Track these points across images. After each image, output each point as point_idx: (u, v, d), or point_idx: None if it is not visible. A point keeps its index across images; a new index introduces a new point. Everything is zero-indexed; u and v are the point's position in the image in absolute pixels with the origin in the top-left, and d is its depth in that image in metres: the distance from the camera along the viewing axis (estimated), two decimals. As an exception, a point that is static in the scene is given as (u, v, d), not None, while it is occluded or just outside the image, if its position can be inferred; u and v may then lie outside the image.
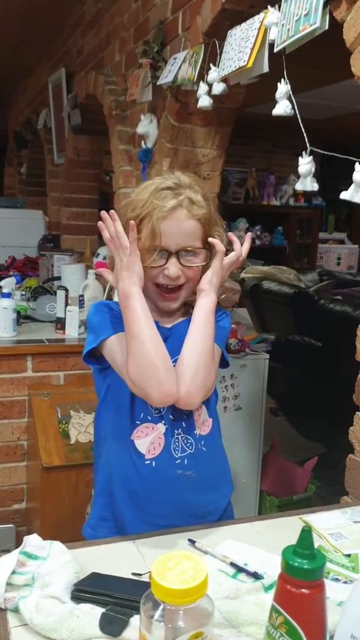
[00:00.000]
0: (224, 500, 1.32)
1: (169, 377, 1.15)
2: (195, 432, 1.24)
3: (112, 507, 1.26)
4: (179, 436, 1.23)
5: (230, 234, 1.27)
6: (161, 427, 1.22)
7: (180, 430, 1.23)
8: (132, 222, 1.15)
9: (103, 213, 1.18)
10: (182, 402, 1.18)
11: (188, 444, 1.23)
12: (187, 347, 1.20)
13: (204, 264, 1.24)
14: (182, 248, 1.20)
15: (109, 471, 1.27)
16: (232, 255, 1.27)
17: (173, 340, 1.24)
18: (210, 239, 1.22)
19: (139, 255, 1.16)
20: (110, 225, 1.17)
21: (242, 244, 1.29)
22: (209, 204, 1.25)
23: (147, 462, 1.21)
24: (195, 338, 1.20)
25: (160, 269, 1.20)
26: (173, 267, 1.20)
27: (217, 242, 1.22)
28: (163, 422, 1.22)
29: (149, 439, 1.21)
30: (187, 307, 1.31)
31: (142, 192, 1.23)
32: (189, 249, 1.21)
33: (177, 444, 1.22)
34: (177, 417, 1.23)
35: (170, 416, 1.22)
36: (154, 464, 1.21)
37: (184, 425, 1.23)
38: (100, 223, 1.18)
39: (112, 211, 1.19)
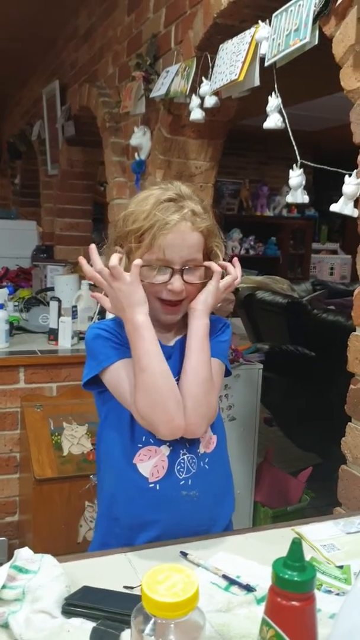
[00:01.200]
0: (227, 515, 1.31)
1: (178, 411, 1.13)
2: (199, 450, 1.22)
3: (116, 532, 1.24)
4: (185, 456, 1.21)
5: (222, 262, 1.24)
6: (164, 450, 1.19)
7: (185, 450, 1.21)
8: (137, 261, 1.12)
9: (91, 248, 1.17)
10: (187, 433, 1.17)
11: (192, 464, 1.21)
12: (186, 376, 1.17)
13: (205, 281, 1.21)
14: (185, 261, 1.17)
15: (111, 495, 1.25)
16: (228, 278, 1.24)
17: (176, 358, 1.22)
18: (206, 263, 1.21)
19: (139, 282, 1.13)
20: (97, 259, 1.15)
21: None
22: (210, 215, 1.22)
23: (150, 485, 1.19)
24: (193, 367, 1.18)
25: (163, 284, 1.17)
26: (177, 282, 1.16)
27: (213, 265, 1.20)
28: (167, 444, 1.19)
29: (152, 462, 1.19)
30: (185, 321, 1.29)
31: (142, 203, 1.18)
32: (190, 264, 1.18)
33: (182, 465, 1.20)
34: (181, 437, 1.20)
35: None
36: (158, 487, 1.19)
37: (187, 445, 1.21)
38: (81, 258, 1.16)
39: (91, 246, 1.18)
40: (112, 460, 1.25)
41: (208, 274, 1.22)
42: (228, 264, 1.25)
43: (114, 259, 1.14)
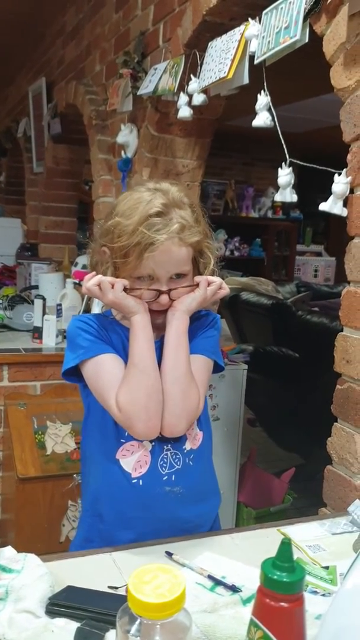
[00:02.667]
0: (212, 512, 1.30)
1: (157, 412, 1.14)
2: (184, 446, 1.21)
3: (99, 528, 1.23)
4: (168, 452, 1.20)
5: (211, 278, 1.23)
6: (147, 445, 1.19)
7: (169, 445, 1.20)
8: (119, 285, 1.15)
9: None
10: (165, 432, 1.17)
11: (176, 460, 1.20)
12: (163, 375, 1.17)
13: (192, 285, 1.21)
14: (172, 274, 1.17)
15: (95, 491, 1.24)
16: (214, 285, 1.23)
17: (157, 357, 1.21)
18: (196, 278, 1.21)
19: (125, 295, 1.16)
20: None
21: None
22: (198, 219, 1.20)
23: (134, 481, 1.18)
24: (169, 365, 1.17)
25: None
26: (164, 299, 1.17)
27: (201, 280, 1.21)
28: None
29: (134, 458, 1.18)
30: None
31: (128, 215, 1.15)
32: (178, 274, 1.18)
33: (164, 460, 1.19)
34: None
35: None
36: (141, 483, 1.18)
37: (172, 441, 1.20)
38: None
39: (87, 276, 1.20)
40: (96, 455, 1.24)
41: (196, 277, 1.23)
42: (215, 278, 1.24)
43: (93, 281, 1.17)
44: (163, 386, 1.16)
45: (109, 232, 1.18)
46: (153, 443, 1.19)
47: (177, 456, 1.21)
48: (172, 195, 1.17)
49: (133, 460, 1.18)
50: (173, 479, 1.20)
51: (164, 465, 1.19)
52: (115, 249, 1.16)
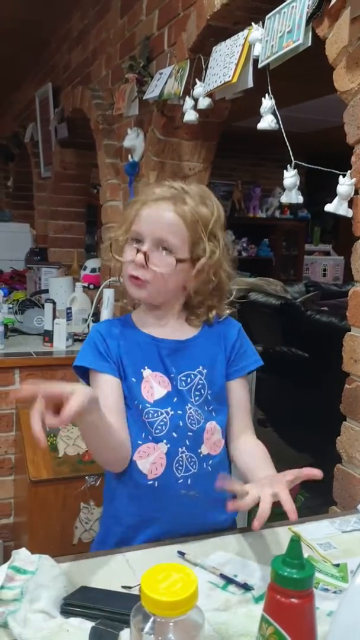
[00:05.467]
0: (229, 520, 1.29)
1: (121, 457, 1.19)
2: (200, 450, 1.22)
3: (115, 530, 1.24)
4: (183, 455, 1.21)
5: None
6: (162, 447, 1.20)
7: (184, 448, 1.21)
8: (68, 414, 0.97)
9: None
10: None
11: (192, 463, 1.21)
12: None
13: (170, 271, 1.18)
14: (157, 239, 1.18)
15: (112, 492, 1.26)
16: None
17: (186, 354, 1.24)
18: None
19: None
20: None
21: None
22: (207, 214, 1.21)
23: (149, 482, 1.19)
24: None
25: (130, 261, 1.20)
26: (139, 257, 1.17)
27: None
28: (164, 441, 1.20)
29: (150, 459, 1.19)
30: (193, 317, 1.30)
31: (147, 187, 1.27)
32: (162, 246, 1.18)
33: (180, 463, 1.20)
34: (181, 434, 1.20)
35: (173, 433, 1.20)
36: (156, 484, 1.19)
37: (187, 443, 1.21)
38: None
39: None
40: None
41: (183, 268, 1.20)
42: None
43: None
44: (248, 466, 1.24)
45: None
46: (169, 445, 1.20)
47: (193, 459, 1.21)
48: (190, 187, 1.23)
49: (149, 462, 1.19)
50: (189, 482, 1.20)
51: (180, 468, 1.20)
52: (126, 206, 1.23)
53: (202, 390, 1.24)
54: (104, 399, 1.15)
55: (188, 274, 1.22)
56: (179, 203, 1.19)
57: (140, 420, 1.20)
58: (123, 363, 1.23)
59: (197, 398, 1.24)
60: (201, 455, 1.22)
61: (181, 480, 1.20)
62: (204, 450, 1.23)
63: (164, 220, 1.19)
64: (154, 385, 1.22)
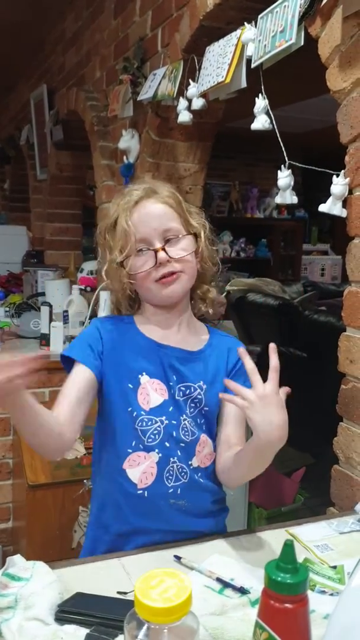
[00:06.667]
0: (219, 526, 1.29)
1: (57, 447, 1.16)
2: (191, 462, 1.21)
3: (104, 539, 1.23)
4: (174, 465, 1.19)
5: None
6: (154, 456, 1.18)
7: (175, 458, 1.19)
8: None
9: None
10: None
11: (182, 474, 1.20)
12: (245, 478, 1.24)
13: (193, 251, 1.21)
14: (162, 232, 1.18)
15: (101, 500, 1.24)
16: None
17: (190, 367, 1.23)
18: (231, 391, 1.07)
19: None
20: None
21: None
22: (177, 195, 1.24)
23: (139, 492, 1.18)
24: (252, 474, 1.18)
25: (153, 268, 1.18)
26: (161, 255, 1.17)
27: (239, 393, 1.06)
28: (156, 450, 1.18)
29: (141, 468, 1.18)
30: (198, 308, 1.30)
31: (112, 202, 1.26)
32: (170, 236, 1.18)
33: (170, 473, 1.19)
34: (173, 444, 1.19)
35: (166, 443, 1.19)
36: (146, 494, 1.18)
37: (179, 453, 1.19)
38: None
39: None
40: (102, 464, 1.24)
41: (188, 246, 1.21)
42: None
43: None
44: (238, 475, 1.21)
45: (100, 233, 1.25)
46: (160, 454, 1.18)
47: (184, 470, 1.20)
48: (148, 181, 1.28)
49: (139, 471, 1.18)
50: (178, 492, 1.19)
51: (170, 477, 1.19)
52: (105, 229, 1.22)
53: (198, 404, 1.23)
54: (68, 385, 1.17)
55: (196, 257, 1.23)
56: (154, 195, 1.21)
57: (131, 428, 1.18)
58: (118, 365, 1.21)
59: (191, 410, 1.22)
60: (192, 467, 1.21)
61: (171, 490, 1.19)
62: (195, 462, 1.22)
63: (155, 213, 1.19)
64: (151, 393, 1.20)
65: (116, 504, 1.20)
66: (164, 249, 1.17)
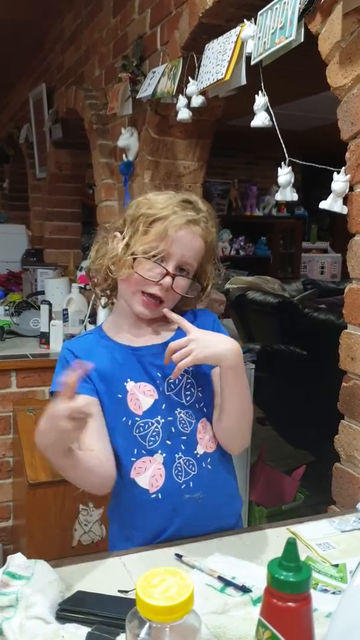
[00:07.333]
0: (236, 513, 1.29)
1: (102, 482, 1.14)
2: (196, 451, 1.20)
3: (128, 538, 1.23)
4: (180, 459, 1.18)
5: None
6: (159, 457, 1.17)
7: (180, 453, 1.18)
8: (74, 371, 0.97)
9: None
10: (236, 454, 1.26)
11: (190, 466, 1.19)
12: (237, 419, 1.19)
13: (186, 295, 1.22)
14: (184, 262, 1.18)
15: (120, 517, 1.25)
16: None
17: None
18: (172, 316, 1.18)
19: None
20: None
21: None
22: (216, 238, 1.24)
23: (152, 496, 1.17)
24: (238, 411, 1.18)
25: (152, 281, 1.17)
26: (167, 280, 1.16)
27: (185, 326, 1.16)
28: (160, 451, 1.17)
29: (149, 473, 1.17)
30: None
31: (160, 196, 1.21)
32: (184, 269, 1.19)
33: (179, 469, 1.18)
34: (175, 440, 1.18)
35: (167, 441, 1.18)
36: (160, 496, 1.17)
37: (183, 447, 1.19)
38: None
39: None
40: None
41: (192, 288, 1.23)
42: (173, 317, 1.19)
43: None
44: (229, 424, 1.19)
45: (137, 207, 1.21)
46: (164, 454, 1.17)
47: (190, 462, 1.19)
48: (200, 204, 1.23)
49: (148, 476, 1.17)
50: (191, 485, 1.18)
51: (180, 474, 1.18)
52: (143, 215, 1.17)
53: (192, 389, 1.22)
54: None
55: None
56: (205, 228, 1.20)
57: (131, 437, 1.18)
58: (103, 380, 1.19)
59: (188, 398, 1.22)
60: (198, 455, 1.20)
61: (183, 485, 1.18)
62: (200, 450, 1.21)
63: (194, 245, 1.19)
64: (140, 397, 1.19)
65: (132, 512, 1.20)
66: (174, 278, 1.17)
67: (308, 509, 2.76)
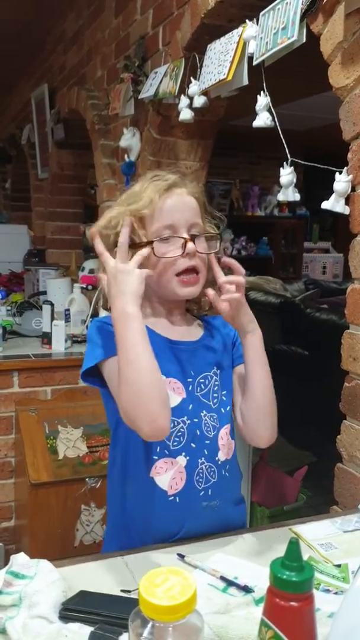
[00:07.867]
0: (241, 520, 1.27)
1: (163, 410, 1.02)
2: (217, 457, 1.18)
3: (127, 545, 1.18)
4: (203, 465, 1.16)
5: (228, 260, 1.17)
6: (181, 460, 1.14)
7: (203, 458, 1.16)
8: (143, 251, 1.06)
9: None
10: (267, 444, 1.22)
11: (211, 473, 1.17)
12: (263, 394, 1.18)
13: (213, 252, 1.18)
14: (190, 225, 1.15)
15: (127, 509, 1.19)
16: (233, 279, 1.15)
17: (201, 355, 1.20)
18: (225, 260, 1.16)
19: (139, 273, 1.05)
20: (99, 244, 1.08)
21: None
22: (202, 192, 1.22)
23: (170, 498, 1.14)
24: (265, 383, 1.18)
25: (180, 256, 1.13)
26: (190, 245, 1.13)
27: (235, 267, 1.15)
28: (183, 454, 1.14)
29: (169, 474, 1.14)
30: (195, 316, 1.28)
31: (136, 185, 1.20)
32: (195, 232, 1.15)
33: (200, 475, 1.16)
34: (199, 444, 1.16)
35: (192, 444, 1.15)
36: (177, 500, 1.14)
37: (206, 452, 1.16)
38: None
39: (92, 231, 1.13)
40: (128, 472, 1.18)
41: (211, 246, 1.19)
42: (231, 261, 1.17)
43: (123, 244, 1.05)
44: (267, 404, 1.19)
45: (129, 199, 1.19)
46: (187, 458, 1.15)
47: (212, 469, 1.17)
48: (173, 176, 1.21)
49: (168, 478, 1.14)
50: (210, 493, 1.16)
51: (200, 480, 1.16)
52: (133, 211, 1.14)
53: (219, 392, 1.21)
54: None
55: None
56: (187, 185, 1.19)
57: None
58: None
59: (215, 401, 1.20)
60: (219, 462, 1.18)
61: (202, 492, 1.16)
62: (221, 457, 1.19)
63: (189, 204, 1.17)
64: (169, 393, 1.11)
65: (145, 512, 1.16)
66: (193, 241, 1.14)
67: (310, 510, 2.75)
